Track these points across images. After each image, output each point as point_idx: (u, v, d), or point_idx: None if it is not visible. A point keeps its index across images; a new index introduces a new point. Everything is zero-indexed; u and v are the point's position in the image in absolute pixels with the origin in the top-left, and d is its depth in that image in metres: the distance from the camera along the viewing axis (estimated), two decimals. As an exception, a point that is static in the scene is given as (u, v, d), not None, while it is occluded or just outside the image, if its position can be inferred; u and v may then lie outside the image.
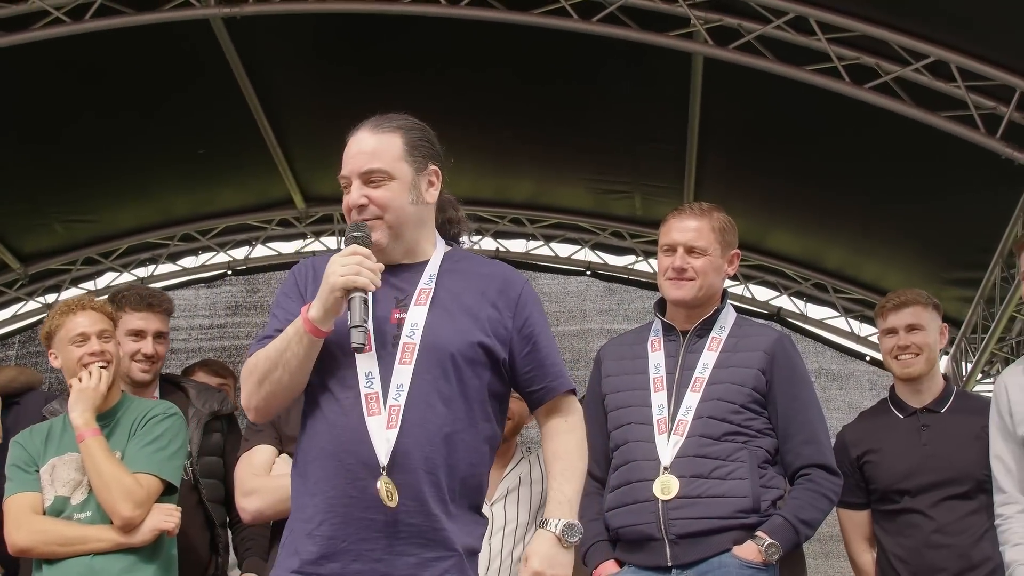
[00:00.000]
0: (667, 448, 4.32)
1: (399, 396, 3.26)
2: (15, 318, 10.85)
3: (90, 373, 4.43)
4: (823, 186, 8.89)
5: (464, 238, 3.77)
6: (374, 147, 3.42)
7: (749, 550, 4.21)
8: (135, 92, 8.59)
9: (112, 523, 4.30)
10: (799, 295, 10.60)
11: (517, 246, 10.89)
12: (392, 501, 3.19)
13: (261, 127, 9.10)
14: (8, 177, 9.23)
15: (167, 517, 4.33)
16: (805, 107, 7.94)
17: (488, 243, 10.79)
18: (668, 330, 4.57)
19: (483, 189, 10.31)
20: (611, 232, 10.57)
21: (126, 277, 10.88)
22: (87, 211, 10.10)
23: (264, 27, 8.04)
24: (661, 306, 4.63)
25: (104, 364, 4.47)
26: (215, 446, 5.02)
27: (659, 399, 4.41)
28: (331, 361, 3.31)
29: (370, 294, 3.24)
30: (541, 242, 10.81)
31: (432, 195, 3.51)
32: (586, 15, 7.54)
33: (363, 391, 3.26)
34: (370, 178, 3.39)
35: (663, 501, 4.27)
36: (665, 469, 4.30)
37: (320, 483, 3.27)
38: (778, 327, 9.42)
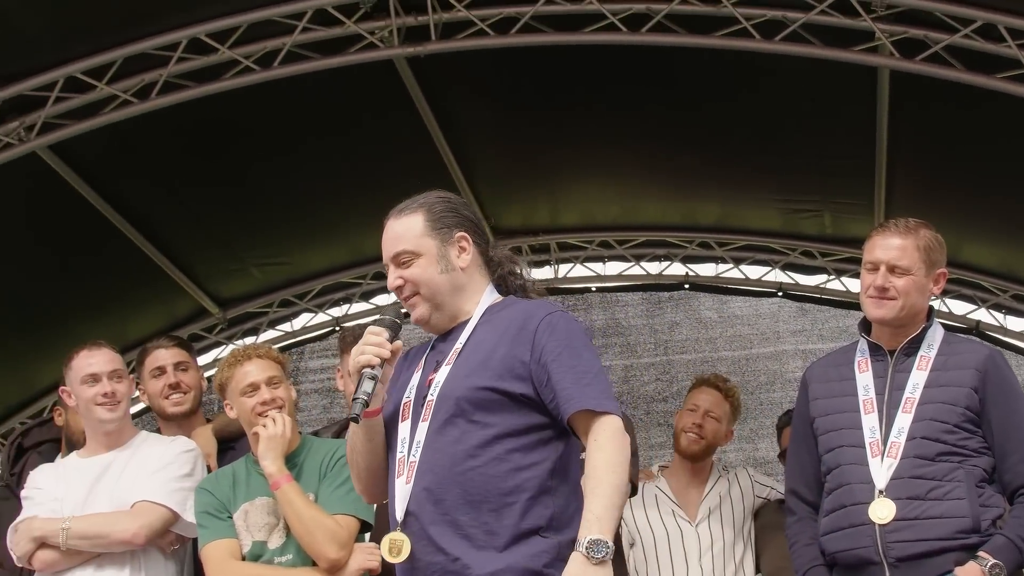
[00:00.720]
0: (881, 471, 4.24)
1: (416, 452, 3.49)
2: (216, 363, 11.09)
3: (274, 420, 4.52)
4: (1018, 196, 8.59)
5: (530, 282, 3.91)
6: (398, 231, 3.67)
7: (972, 571, 4.10)
8: (321, 135, 8.76)
9: (314, 565, 4.36)
10: (997, 307, 10.26)
11: (707, 270, 10.76)
12: (397, 556, 3.42)
13: (447, 162, 9.17)
14: (206, 225, 9.53)
15: (370, 556, 4.40)
16: (995, 115, 7.70)
17: (677, 268, 10.70)
18: (875, 350, 4.46)
19: (670, 215, 10.26)
20: (801, 252, 10.36)
21: (321, 318, 11.08)
22: (280, 254, 10.30)
23: (446, 64, 8.11)
24: (866, 325, 4.53)
25: (278, 409, 4.56)
26: None
27: (870, 421, 4.32)
28: (389, 434, 3.61)
29: (378, 368, 3.47)
30: (731, 265, 10.65)
31: (464, 260, 3.68)
32: (768, 35, 7.43)
33: (397, 456, 3.53)
34: (400, 260, 3.64)
35: (880, 525, 4.18)
36: (880, 492, 4.22)
37: None
38: (987, 343, 9.14)
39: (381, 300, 11.08)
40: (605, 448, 3.43)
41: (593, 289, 10.95)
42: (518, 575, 3.40)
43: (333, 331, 10.73)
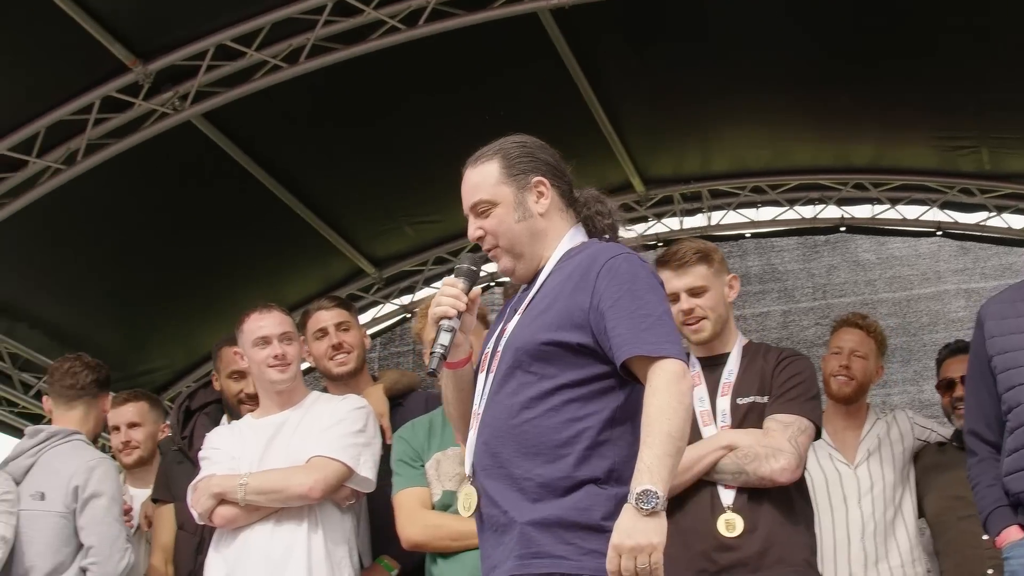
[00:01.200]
0: None
1: (481, 403, 3.49)
2: (374, 321, 11.25)
3: None
4: None
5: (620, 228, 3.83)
6: (475, 180, 3.66)
7: None
8: (469, 91, 8.77)
9: None
10: None
11: (862, 212, 10.54)
12: (469, 509, 3.44)
13: (595, 114, 9.13)
14: (359, 185, 9.65)
15: None
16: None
17: (832, 211, 10.50)
18: (1054, 283, 4.31)
19: (823, 157, 10.10)
20: (959, 189, 10.08)
21: (478, 274, 11.13)
22: (433, 211, 10.37)
23: (591, 14, 8.05)
24: None
25: None
26: None
27: None
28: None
29: (455, 320, 3.49)
30: (887, 205, 10.41)
31: (543, 205, 3.64)
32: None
33: (474, 410, 3.54)
34: (478, 210, 3.63)
35: None
36: None
37: None
38: None
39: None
40: (659, 393, 3.30)
41: (748, 235, 10.81)
42: (567, 527, 3.32)
43: (489, 287, 10.77)
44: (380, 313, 11.31)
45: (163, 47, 7.90)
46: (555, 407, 3.39)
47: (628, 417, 3.42)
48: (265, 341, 4.88)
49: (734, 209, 10.75)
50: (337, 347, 5.43)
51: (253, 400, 5.34)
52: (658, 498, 3.16)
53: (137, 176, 8.59)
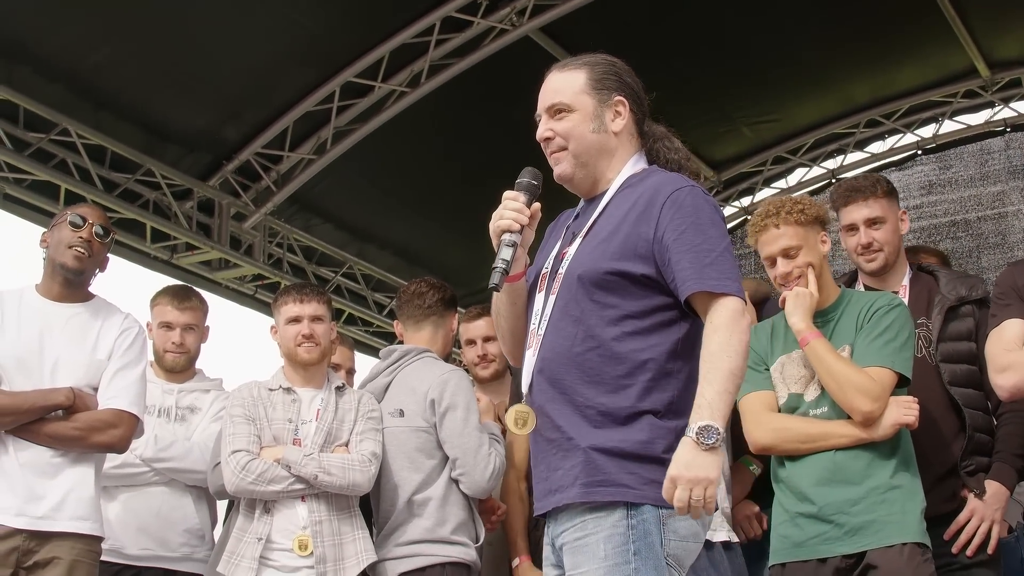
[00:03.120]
0: None
1: (541, 324, 3.49)
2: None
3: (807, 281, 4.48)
4: None
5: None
6: (557, 84, 3.63)
7: None
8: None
9: (848, 419, 4.30)
10: None
11: None
12: (522, 428, 3.43)
13: (937, -2, 8.75)
14: (694, 88, 9.55)
15: (906, 410, 4.26)
16: None
17: None
18: None
19: None
20: None
21: (816, 171, 10.94)
22: (770, 111, 10.24)
23: None
24: None
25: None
26: (963, 331, 4.83)
27: None
28: (529, 301, 3.61)
29: (518, 233, 3.46)
30: None
31: (618, 124, 3.61)
32: None
33: (530, 327, 3.55)
34: (554, 111, 3.59)
35: None
36: None
37: None
38: None
39: (875, 148, 10.81)
40: (720, 330, 3.31)
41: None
42: (630, 457, 3.33)
43: (829, 184, 10.54)
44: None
45: (496, -36, 8.02)
46: (617, 337, 3.41)
47: (688, 350, 3.43)
48: None
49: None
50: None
51: None
52: (718, 434, 3.21)
53: (479, 94, 8.75)
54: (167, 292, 5.69)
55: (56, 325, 4.67)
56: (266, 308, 8.86)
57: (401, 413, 5.17)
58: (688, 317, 3.45)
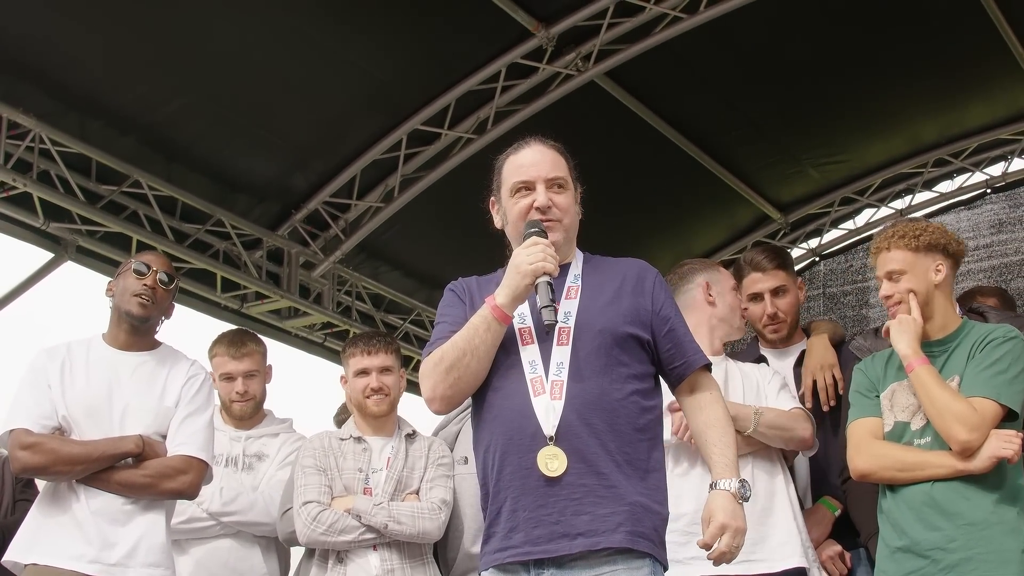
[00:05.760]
0: None
1: (560, 372, 3.58)
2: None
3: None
4: None
5: None
6: (553, 158, 3.86)
7: None
8: (869, 23, 8.51)
9: (950, 450, 4.21)
10: None
11: None
12: (555, 470, 3.48)
13: (1003, 34, 8.65)
14: (761, 131, 9.56)
15: (1006, 443, 4.13)
16: None
17: None
18: None
19: None
20: None
21: (884, 212, 10.84)
22: (837, 151, 10.17)
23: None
24: None
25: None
26: None
27: None
28: (496, 354, 3.65)
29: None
30: None
31: (579, 212, 3.90)
32: None
33: (528, 377, 3.59)
34: (553, 183, 3.80)
35: None
36: None
37: (496, 465, 3.59)
38: None
39: (943, 188, 10.71)
40: (720, 401, 3.78)
41: None
42: (655, 515, 3.58)
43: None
44: (789, 258, 11.12)
45: (564, 8, 8.07)
46: (631, 394, 3.62)
47: (661, 417, 3.78)
48: None
49: None
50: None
51: None
52: (751, 490, 3.66)
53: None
54: (222, 342, 5.71)
55: (124, 373, 4.73)
56: (335, 356, 8.92)
57: (466, 460, 5.18)
58: (659, 385, 3.79)
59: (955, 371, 4.34)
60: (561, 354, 3.61)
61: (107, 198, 7.84)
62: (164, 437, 4.70)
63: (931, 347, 4.40)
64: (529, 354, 3.64)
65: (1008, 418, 4.22)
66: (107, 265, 7.94)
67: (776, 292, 5.31)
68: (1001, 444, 4.14)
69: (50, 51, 7.12)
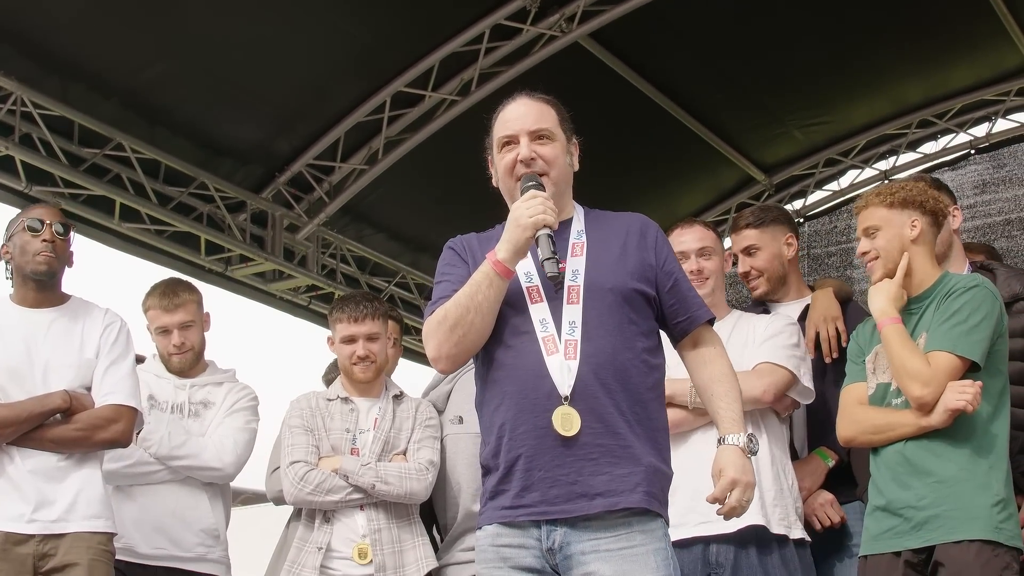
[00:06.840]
0: None
1: (573, 332, 3.56)
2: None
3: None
4: None
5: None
6: (539, 111, 3.77)
7: None
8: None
9: None
10: None
11: None
12: (569, 430, 3.47)
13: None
14: (746, 92, 9.55)
15: (959, 395, 4.06)
16: None
17: None
18: None
19: None
20: None
21: (868, 173, 10.84)
22: (822, 113, 10.16)
23: None
24: None
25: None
26: (1017, 329, 4.73)
27: None
28: (503, 311, 3.62)
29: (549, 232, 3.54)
30: None
31: (575, 163, 3.84)
32: None
33: (540, 335, 3.57)
34: (538, 135, 3.72)
35: None
36: None
37: (508, 424, 3.56)
38: None
39: (928, 149, 10.72)
40: (725, 356, 3.78)
41: None
42: (665, 477, 3.60)
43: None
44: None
45: (548, -28, 8.03)
46: (640, 353, 3.62)
47: (664, 374, 3.76)
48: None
49: None
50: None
51: None
52: (759, 444, 3.74)
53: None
54: (153, 294, 5.47)
55: (39, 331, 4.68)
56: (321, 319, 8.92)
57: (460, 420, 5.18)
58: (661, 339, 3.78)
59: (925, 327, 4.31)
60: (573, 312, 3.59)
61: (90, 161, 7.82)
62: (89, 389, 4.67)
63: (908, 305, 4.38)
64: (539, 312, 3.62)
65: (973, 369, 4.17)
66: (91, 228, 7.94)
67: (747, 251, 5.33)
68: (955, 396, 4.08)
69: (31, 13, 7.07)
